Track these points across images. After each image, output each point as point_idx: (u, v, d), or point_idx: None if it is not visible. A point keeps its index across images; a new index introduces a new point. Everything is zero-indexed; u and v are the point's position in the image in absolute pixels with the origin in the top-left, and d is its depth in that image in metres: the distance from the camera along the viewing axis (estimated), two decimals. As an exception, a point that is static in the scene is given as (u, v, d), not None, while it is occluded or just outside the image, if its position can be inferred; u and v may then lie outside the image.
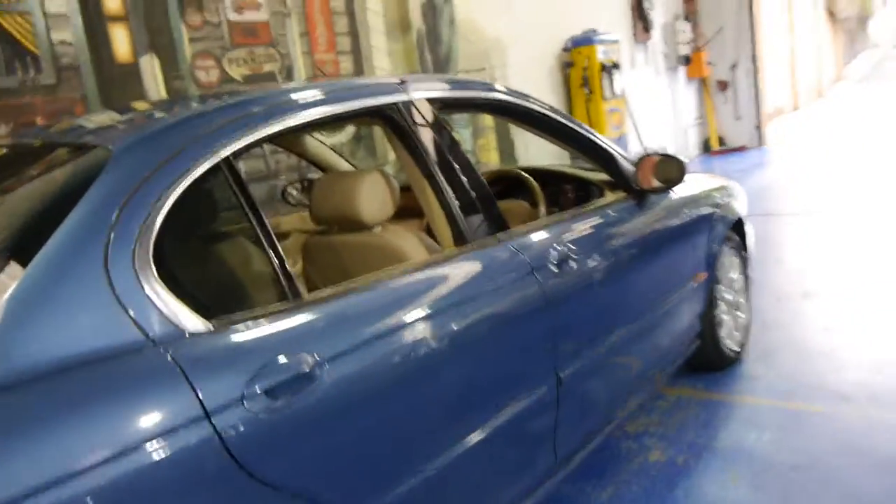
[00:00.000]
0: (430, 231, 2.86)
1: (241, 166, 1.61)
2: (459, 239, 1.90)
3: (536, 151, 6.81)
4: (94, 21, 3.76)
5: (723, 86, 10.44)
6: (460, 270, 1.81)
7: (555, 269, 1.98)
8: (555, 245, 2.04)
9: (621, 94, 7.56)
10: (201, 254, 1.55)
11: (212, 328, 1.30)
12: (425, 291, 1.69)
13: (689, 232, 2.80)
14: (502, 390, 1.82)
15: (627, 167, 2.58)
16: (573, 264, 2.05)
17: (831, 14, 17.93)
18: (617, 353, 2.30)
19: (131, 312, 1.22)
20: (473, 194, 1.95)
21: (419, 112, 1.94)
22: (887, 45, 25.78)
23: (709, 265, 2.96)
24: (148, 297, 1.24)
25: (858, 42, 23.09)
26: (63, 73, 3.64)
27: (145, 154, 1.40)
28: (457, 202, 1.91)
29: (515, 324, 1.85)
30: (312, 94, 1.79)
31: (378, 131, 5.58)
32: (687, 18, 10.03)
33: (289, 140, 3.06)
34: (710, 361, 3.16)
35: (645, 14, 8.83)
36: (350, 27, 5.10)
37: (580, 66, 7.25)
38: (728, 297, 3.24)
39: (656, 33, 9.22)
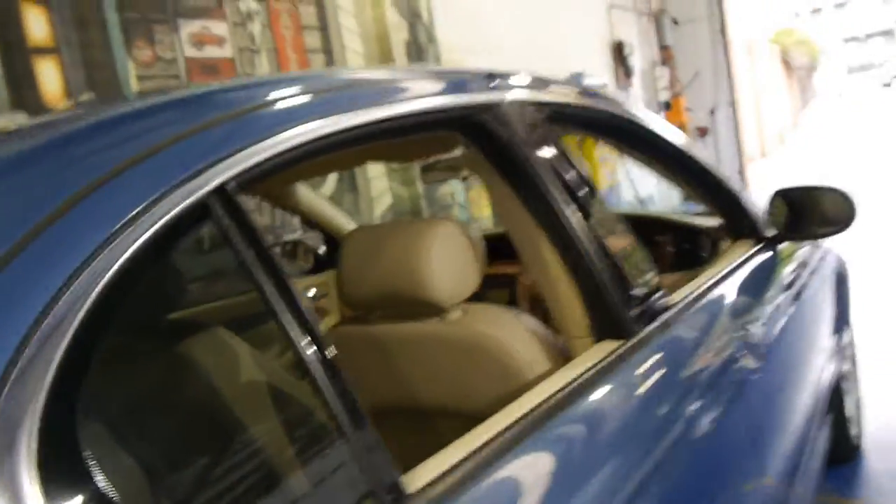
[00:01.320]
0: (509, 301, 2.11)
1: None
2: (606, 325, 1.15)
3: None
4: (15, 53, 2.97)
5: (702, 132, 10.04)
6: (624, 390, 1.05)
7: (753, 367, 1.24)
8: (737, 329, 1.31)
9: (612, 141, 7.01)
10: (156, 418, 0.74)
11: None
12: (588, 441, 0.93)
13: (827, 292, 2.11)
14: None
15: (754, 208, 1.90)
16: (763, 354, 1.32)
17: (786, 63, 18.11)
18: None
19: None
20: (620, 253, 1.20)
21: (526, 121, 1.20)
22: (832, 94, 26.43)
23: (838, 330, 2.27)
24: None
25: (809, 91, 23.53)
26: (-29, 117, 2.82)
27: (22, 193, 0.63)
28: (597, 265, 1.16)
29: (725, 471, 1.10)
30: (359, 86, 1.03)
31: (363, 179, 4.81)
32: (664, 64, 9.67)
33: (281, 194, 2.28)
34: (837, 452, 2.43)
35: (625, 59, 8.40)
36: (327, 65, 4.39)
37: (570, 111, 6.69)
38: (845, 366, 2.54)
39: (636, 79, 8.80)
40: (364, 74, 1.14)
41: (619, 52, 8.35)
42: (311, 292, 2.57)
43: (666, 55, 9.79)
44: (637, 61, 8.84)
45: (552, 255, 1.17)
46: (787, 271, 1.88)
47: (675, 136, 1.73)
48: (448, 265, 1.19)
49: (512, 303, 2.24)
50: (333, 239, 2.37)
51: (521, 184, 1.16)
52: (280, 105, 0.88)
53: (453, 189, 5.33)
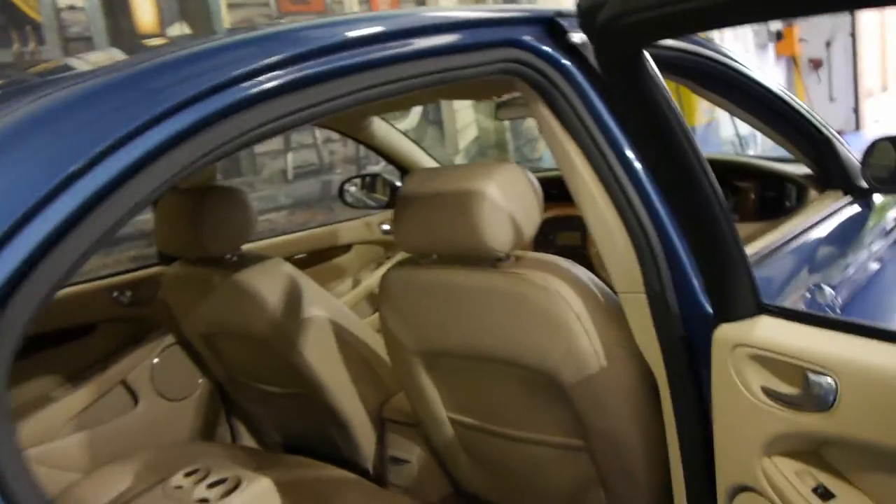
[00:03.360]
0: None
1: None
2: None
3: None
4: (111, -17, 3.05)
5: (816, 64, 9.39)
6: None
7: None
8: (816, 286, 1.25)
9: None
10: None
11: None
12: None
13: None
14: None
15: (848, 156, 1.77)
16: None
17: (919, -13, 16.51)
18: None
19: None
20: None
21: (593, 67, 1.14)
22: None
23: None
24: None
25: (943, 18, 21.43)
26: (71, 46, 2.94)
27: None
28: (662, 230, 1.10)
29: None
30: (400, 26, 1.00)
31: (448, 111, 4.75)
32: (778, -11, 9.03)
33: (346, 121, 2.29)
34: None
35: (734, -17, 7.88)
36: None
37: (668, 41, 6.36)
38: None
39: (746, 6, 8.26)
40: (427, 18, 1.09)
41: (728, -23, 7.85)
42: (386, 226, 2.61)
43: (781, -20, 9.13)
44: (748, -13, 8.29)
45: (612, 214, 1.11)
46: (877, 226, 1.76)
47: (759, 72, 1.62)
48: (502, 212, 1.17)
49: (583, 245, 2.21)
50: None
51: (585, 136, 1.11)
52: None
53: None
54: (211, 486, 1.35)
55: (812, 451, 0.93)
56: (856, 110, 9.39)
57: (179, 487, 1.37)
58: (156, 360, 2.01)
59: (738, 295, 0.96)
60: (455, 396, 1.46)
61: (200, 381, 2.09)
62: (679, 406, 1.11)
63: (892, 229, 1.83)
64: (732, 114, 1.71)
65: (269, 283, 1.62)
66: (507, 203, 1.18)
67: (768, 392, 0.92)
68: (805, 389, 0.86)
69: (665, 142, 0.94)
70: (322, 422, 1.80)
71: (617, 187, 1.10)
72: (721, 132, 7.04)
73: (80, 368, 1.93)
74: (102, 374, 1.93)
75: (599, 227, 1.14)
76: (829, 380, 0.84)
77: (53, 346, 1.90)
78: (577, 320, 1.16)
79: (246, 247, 2.24)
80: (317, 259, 2.51)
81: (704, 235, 0.97)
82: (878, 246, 1.71)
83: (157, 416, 2.01)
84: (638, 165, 1.11)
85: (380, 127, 2.37)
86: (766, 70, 8.90)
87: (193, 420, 2.09)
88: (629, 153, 1.11)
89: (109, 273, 2.01)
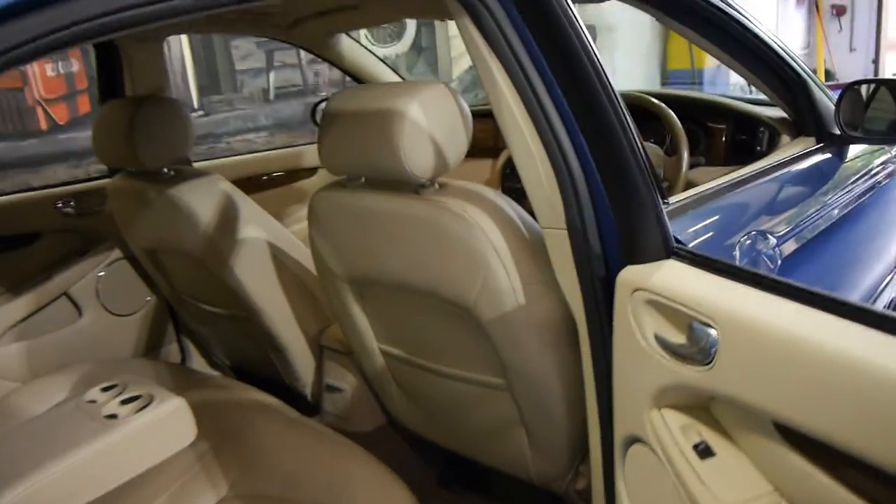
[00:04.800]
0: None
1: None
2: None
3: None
4: None
5: (839, 11, 9.05)
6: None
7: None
8: (758, 233, 1.18)
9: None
10: None
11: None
12: None
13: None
14: None
15: (825, 102, 1.67)
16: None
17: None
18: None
19: None
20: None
21: None
22: None
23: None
24: None
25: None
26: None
27: None
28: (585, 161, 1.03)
29: None
30: None
31: (443, 37, 4.59)
32: (806, -72, 8.64)
33: (320, 42, 2.19)
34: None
35: (760, -80, 7.52)
36: None
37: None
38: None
39: (767, -55, 7.90)
40: None
41: (753, -87, 7.48)
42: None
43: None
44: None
45: (536, 142, 1.04)
46: (848, 177, 1.67)
47: (734, 6, 1.51)
48: (423, 134, 1.10)
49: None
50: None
51: (512, 61, 1.02)
52: None
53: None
54: (124, 401, 1.33)
55: (703, 406, 0.88)
56: (875, 62, 9.07)
57: (93, 401, 1.34)
58: (101, 274, 1.97)
59: (646, 237, 0.90)
60: (385, 327, 1.42)
61: (148, 298, 2.06)
62: (594, 347, 1.07)
63: (867, 178, 1.75)
64: (702, 48, 1.60)
65: (203, 200, 1.56)
66: (429, 125, 1.10)
67: (660, 340, 0.86)
68: (691, 340, 0.81)
69: (573, 73, 0.87)
70: (262, 346, 1.77)
71: (542, 117, 1.03)
72: (731, 76, 6.82)
73: (22, 278, 1.90)
74: (45, 285, 1.90)
75: (524, 157, 1.06)
76: (713, 332, 0.78)
77: None
78: (494, 253, 1.10)
79: (204, 164, 2.18)
80: (280, 181, 2.45)
81: (614, 175, 0.90)
82: (843, 198, 1.63)
83: (102, 330, 1.99)
84: (565, 97, 1.03)
85: (348, 46, 2.27)
86: (786, 14, 8.60)
87: (141, 337, 2.07)
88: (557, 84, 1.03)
89: (54, 183, 1.96)
